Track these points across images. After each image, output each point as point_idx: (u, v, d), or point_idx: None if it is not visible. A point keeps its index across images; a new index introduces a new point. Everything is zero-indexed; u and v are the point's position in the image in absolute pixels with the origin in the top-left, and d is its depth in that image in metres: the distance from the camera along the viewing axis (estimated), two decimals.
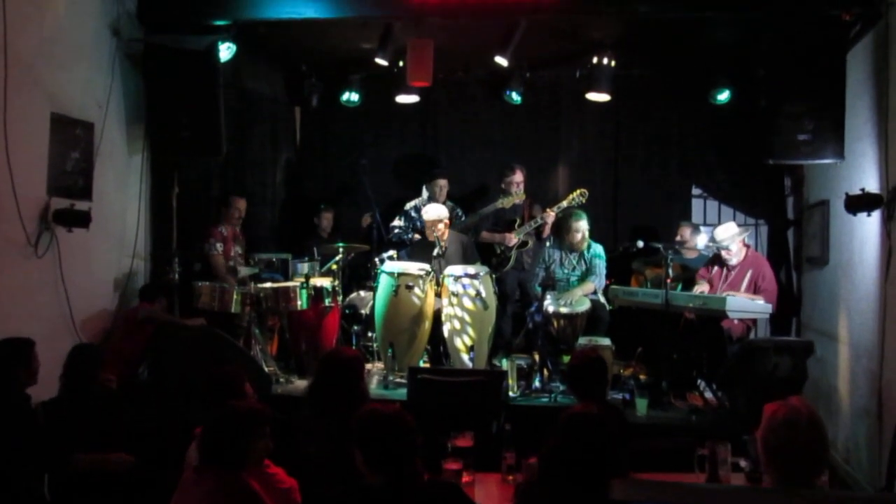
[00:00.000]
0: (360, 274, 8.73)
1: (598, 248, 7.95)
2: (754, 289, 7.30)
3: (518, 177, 8.32)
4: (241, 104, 8.72)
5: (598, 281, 7.79)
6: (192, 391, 4.78)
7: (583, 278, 7.82)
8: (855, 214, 6.13)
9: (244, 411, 3.71)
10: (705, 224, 9.23)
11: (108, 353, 6.69)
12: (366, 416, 3.42)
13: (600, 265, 7.88)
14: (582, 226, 7.82)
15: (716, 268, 7.62)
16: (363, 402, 3.88)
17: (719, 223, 8.23)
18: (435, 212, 7.69)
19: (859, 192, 6.04)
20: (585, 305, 7.41)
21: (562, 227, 7.97)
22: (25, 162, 6.03)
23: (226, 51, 7.43)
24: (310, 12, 7.12)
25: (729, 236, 7.36)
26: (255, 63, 9.06)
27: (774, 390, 4.44)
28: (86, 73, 6.84)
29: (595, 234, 8.14)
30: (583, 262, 7.89)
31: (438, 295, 7.32)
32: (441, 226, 7.63)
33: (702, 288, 7.42)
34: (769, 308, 6.98)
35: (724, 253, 7.43)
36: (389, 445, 3.33)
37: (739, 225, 7.84)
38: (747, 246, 7.51)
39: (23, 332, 5.15)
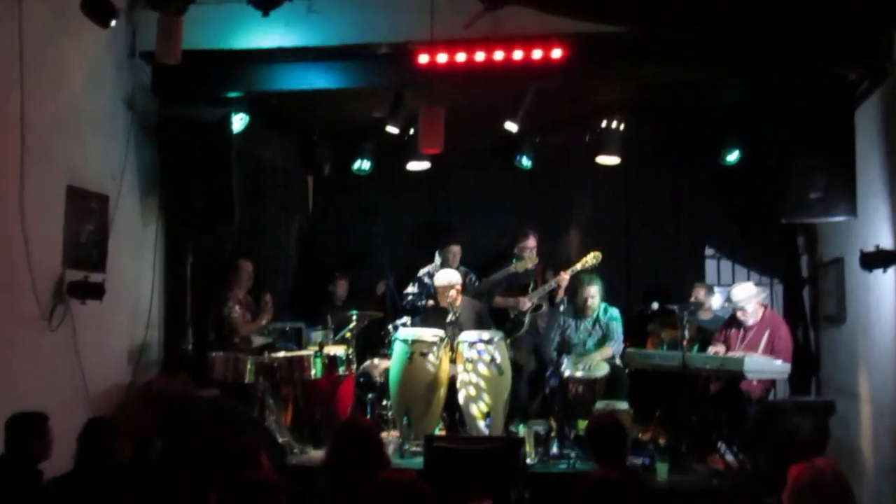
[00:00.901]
0: (374, 342, 8.69)
1: (615, 312, 7.91)
2: (771, 349, 7.23)
3: (531, 242, 8.35)
4: (254, 173, 8.79)
5: (616, 346, 7.73)
6: (206, 463, 4.72)
7: (601, 343, 7.76)
8: (870, 271, 6.09)
9: (259, 483, 3.65)
10: (719, 284, 9.18)
11: (122, 427, 6.65)
12: (381, 487, 3.37)
13: (618, 329, 7.83)
14: (595, 289, 7.80)
15: (732, 329, 7.56)
16: (383, 471, 3.82)
17: (733, 283, 8.20)
18: (447, 277, 7.68)
19: (874, 249, 6.01)
20: (604, 370, 7.36)
21: (575, 291, 7.95)
22: (41, 234, 6.07)
23: (239, 121, 7.52)
24: (321, 83, 7.23)
25: (746, 297, 7.31)
26: (268, 132, 9.14)
27: (797, 451, 4.36)
28: (101, 145, 6.92)
29: (609, 297, 8.11)
30: (598, 326, 7.84)
31: (453, 361, 7.27)
32: (453, 292, 7.61)
33: (717, 349, 7.36)
34: (787, 368, 6.92)
35: (740, 314, 7.37)
36: None
37: (756, 285, 7.79)
38: (764, 306, 7.47)
39: (36, 405, 5.09)
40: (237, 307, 7.83)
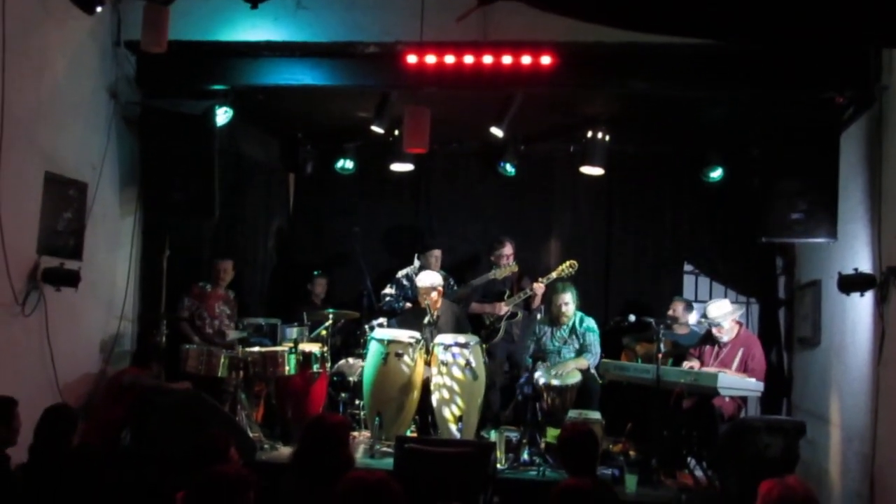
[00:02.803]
0: (349, 341, 8.67)
1: (591, 322, 7.91)
2: (744, 368, 7.25)
3: (507, 249, 8.35)
4: (235, 169, 8.76)
5: (592, 359, 7.70)
6: (175, 456, 4.68)
7: (580, 353, 7.75)
8: (848, 294, 6.13)
9: (227, 476, 3.61)
10: (697, 300, 9.20)
11: (91, 417, 6.59)
12: (352, 483, 3.33)
13: (595, 342, 7.81)
14: (569, 297, 7.78)
15: (707, 345, 7.58)
16: (348, 470, 3.79)
17: (710, 300, 8.21)
18: (429, 280, 7.65)
19: (852, 272, 6.04)
20: (576, 378, 7.34)
21: (550, 299, 7.95)
22: (17, 220, 6.01)
23: (223, 115, 7.49)
24: (307, 79, 7.20)
25: (722, 314, 7.33)
26: (251, 129, 9.12)
27: (766, 471, 4.37)
28: (82, 133, 6.87)
29: (586, 308, 8.11)
30: (574, 335, 7.83)
31: (428, 364, 7.24)
32: (434, 294, 7.58)
33: (692, 364, 7.38)
34: (760, 386, 6.93)
35: (715, 330, 7.39)
36: None
37: (732, 303, 7.82)
38: (739, 324, 7.49)
39: (5, 391, 5.06)
40: (186, 300, 7.85)
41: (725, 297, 8.74)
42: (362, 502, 3.24)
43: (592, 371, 7.67)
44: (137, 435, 6.80)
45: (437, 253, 8.62)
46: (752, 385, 6.91)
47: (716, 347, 7.47)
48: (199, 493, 3.51)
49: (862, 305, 6.27)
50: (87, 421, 5.80)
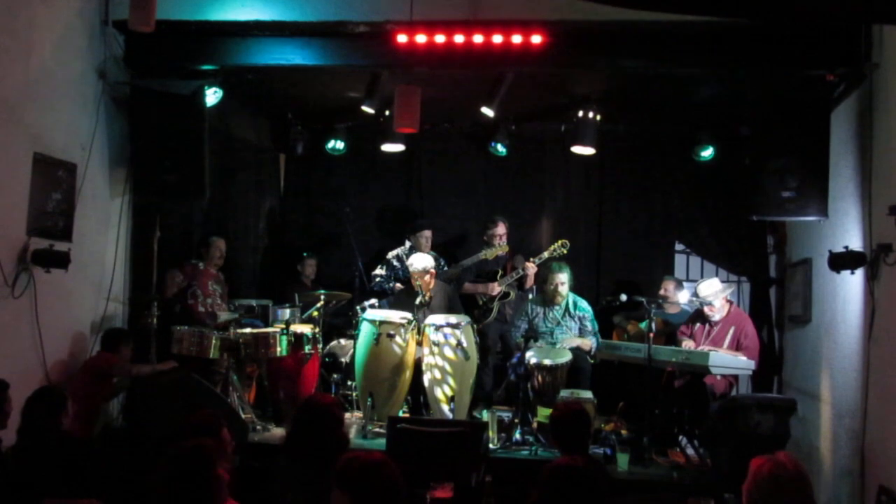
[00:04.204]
0: (340, 322, 8.66)
1: (584, 304, 7.93)
2: (737, 346, 7.29)
3: (500, 229, 8.34)
4: (225, 150, 8.72)
5: (595, 342, 7.74)
6: (167, 436, 4.67)
7: (580, 334, 7.79)
8: (838, 272, 6.14)
9: (192, 450, 3.55)
10: (688, 280, 9.23)
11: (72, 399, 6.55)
12: (351, 463, 3.32)
13: (595, 326, 7.86)
14: (565, 277, 7.80)
15: (698, 324, 7.61)
16: (343, 450, 3.79)
17: (702, 279, 8.23)
18: (421, 262, 7.63)
19: (843, 250, 6.05)
20: (566, 357, 7.36)
21: (545, 279, 7.96)
22: (6, 201, 5.98)
23: (212, 95, 7.43)
24: (298, 59, 7.15)
25: (712, 293, 7.37)
26: (241, 109, 9.10)
27: (757, 448, 4.39)
28: (70, 114, 6.81)
29: (578, 288, 8.13)
30: (568, 316, 7.84)
31: (420, 344, 7.25)
32: (427, 277, 7.58)
33: (687, 343, 7.41)
34: (752, 365, 6.98)
35: (706, 309, 7.42)
36: (380, 491, 3.22)
37: (723, 281, 7.85)
38: (730, 302, 7.52)
39: None
40: (178, 277, 7.82)
41: (717, 275, 8.76)
42: (361, 482, 3.23)
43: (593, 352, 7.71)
44: (130, 415, 6.79)
45: (427, 234, 8.61)
46: (743, 363, 6.96)
47: (707, 326, 7.50)
48: (173, 463, 3.47)
49: (852, 283, 6.28)
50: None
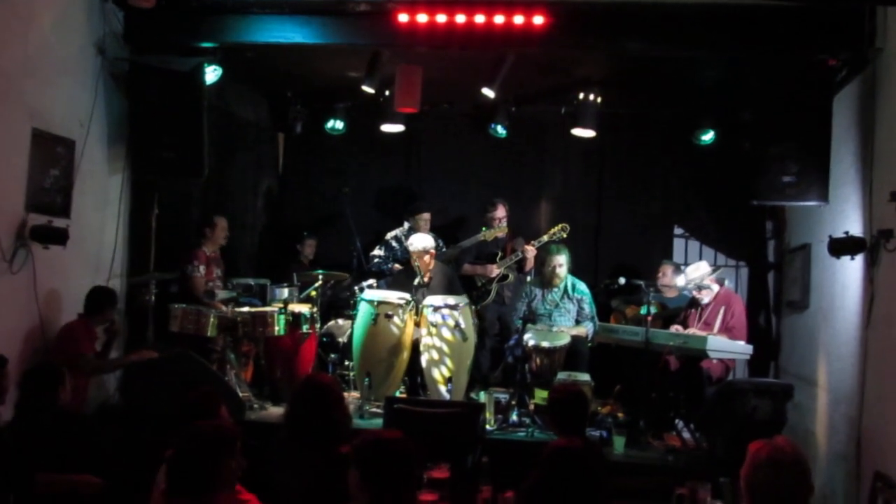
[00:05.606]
0: (338, 302, 8.66)
1: (583, 286, 7.90)
2: (726, 326, 7.30)
3: (500, 212, 8.34)
4: (224, 128, 8.69)
5: (591, 328, 7.74)
6: (164, 413, 4.68)
7: (568, 317, 7.77)
8: (838, 258, 6.13)
9: (211, 431, 3.59)
10: (686, 264, 9.22)
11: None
12: (366, 438, 3.32)
13: (593, 310, 7.86)
14: (563, 259, 7.78)
15: (691, 310, 7.64)
16: (345, 429, 3.79)
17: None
18: (421, 243, 7.63)
19: (843, 236, 6.04)
20: (565, 340, 7.35)
21: (543, 261, 7.95)
22: (4, 176, 5.95)
23: (212, 73, 7.40)
24: (298, 37, 7.10)
25: (700, 275, 7.41)
26: (241, 88, 9.06)
27: (753, 433, 4.39)
28: (69, 90, 6.77)
29: (577, 271, 8.11)
30: (567, 299, 7.82)
31: (418, 325, 7.25)
32: (427, 257, 7.58)
33: (675, 327, 7.43)
34: (749, 349, 6.99)
35: (695, 293, 7.46)
36: (394, 469, 3.22)
37: (722, 266, 7.87)
38: (719, 283, 7.54)
39: None
40: (201, 267, 7.73)
41: (715, 260, 8.77)
42: (383, 458, 3.23)
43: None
44: (127, 392, 6.79)
45: (426, 216, 8.60)
46: (741, 348, 6.97)
47: (698, 310, 7.53)
48: (182, 451, 3.50)
49: (852, 269, 6.27)
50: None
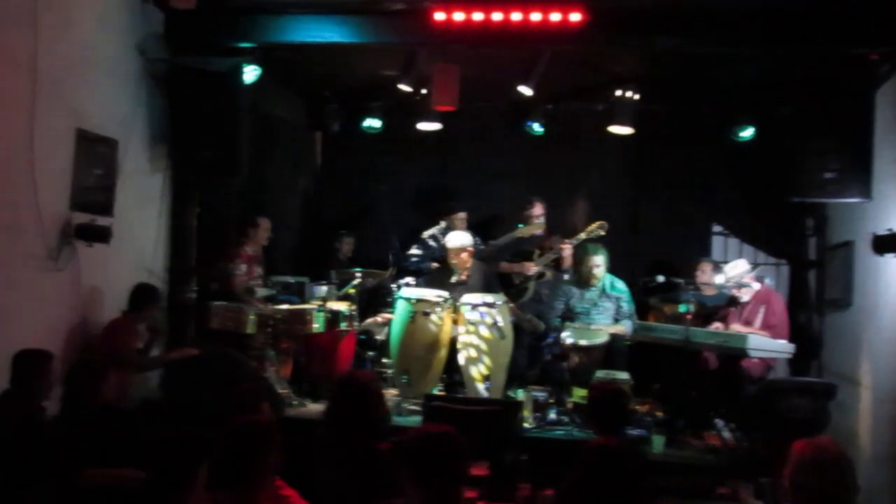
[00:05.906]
0: (377, 300, 8.69)
1: (622, 285, 7.81)
2: (767, 324, 7.24)
3: (538, 210, 8.33)
4: (262, 128, 8.73)
5: (629, 326, 7.68)
6: (205, 410, 4.72)
7: (607, 315, 7.72)
8: (882, 255, 6.05)
9: (251, 426, 3.61)
10: (725, 262, 9.14)
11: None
12: (421, 438, 3.33)
13: (632, 308, 7.78)
14: (600, 259, 7.73)
15: (730, 308, 7.59)
16: (383, 426, 3.81)
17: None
18: (459, 240, 7.63)
19: (886, 232, 5.96)
20: (603, 338, 7.32)
21: (581, 260, 7.91)
22: (49, 176, 6.03)
23: (251, 73, 7.44)
24: (334, 37, 7.15)
25: (738, 273, 7.36)
26: (278, 87, 9.11)
27: (794, 432, 4.36)
28: (111, 90, 6.86)
29: (614, 269, 8.06)
30: (605, 298, 7.76)
31: (455, 322, 7.25)
32: (464, 255, 7.58)
33: (715, 325, 7.38)
34: (791, 348, 6.91)
35: (735, 291, 7.40)
36: (446, 464, 3.23)
37: (750, 263, 7.81)
38: (759, 281, 7.47)
39: (38, 344, 5.13)
40: (242, 265, 7.82)
41: (755, 259, 8.70)
42: (433, 455, 3.23)
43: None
44: (167, 390, 6.86)
45: (462, 215, 8.60)
46: (781, 346, 6.89)
47: (738, 308, 7.48)
48: (222, 446, 3.52)
49: (895, 266, 6.20)
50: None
